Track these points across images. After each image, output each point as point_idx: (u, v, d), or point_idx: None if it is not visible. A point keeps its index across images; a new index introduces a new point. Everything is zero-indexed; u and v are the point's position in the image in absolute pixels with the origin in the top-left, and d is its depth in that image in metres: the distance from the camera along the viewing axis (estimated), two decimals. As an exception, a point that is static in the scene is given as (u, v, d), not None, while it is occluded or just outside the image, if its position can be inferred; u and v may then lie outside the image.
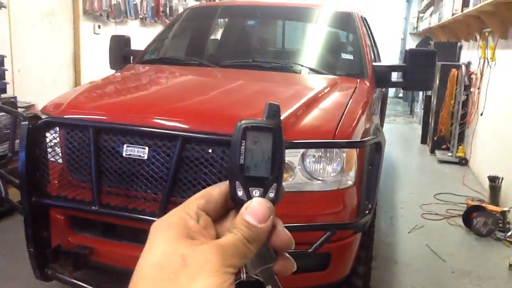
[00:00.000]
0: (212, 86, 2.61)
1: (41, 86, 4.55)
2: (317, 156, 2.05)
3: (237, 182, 0.48)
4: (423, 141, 7.47)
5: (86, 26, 5.38)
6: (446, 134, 6.52)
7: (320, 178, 2.05)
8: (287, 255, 0.50)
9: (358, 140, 2.04)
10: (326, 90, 2.51)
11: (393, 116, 10.17)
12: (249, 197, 0.48)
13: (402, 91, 12.99)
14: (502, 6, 4.13)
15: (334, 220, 2.05)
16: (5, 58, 3.57)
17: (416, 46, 11.20)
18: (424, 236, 3.87)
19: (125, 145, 1.93)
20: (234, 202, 0.49)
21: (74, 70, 5.26)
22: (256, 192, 0.48)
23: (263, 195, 0.48)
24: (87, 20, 5.40)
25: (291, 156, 2.01)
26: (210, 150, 1.84)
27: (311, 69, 3.00)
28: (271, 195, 0.49)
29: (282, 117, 1.77)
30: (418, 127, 8.57)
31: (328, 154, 2.05)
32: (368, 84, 2.89)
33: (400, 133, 8.50)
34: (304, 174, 2.03)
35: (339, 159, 2.05)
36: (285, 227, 1.75)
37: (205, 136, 1.84)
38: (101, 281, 2.21)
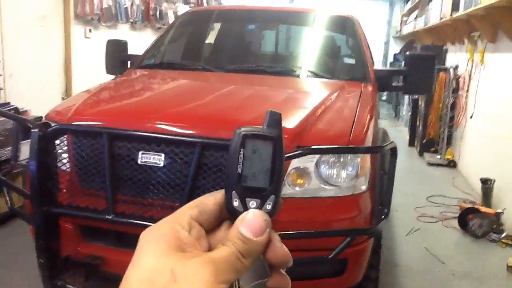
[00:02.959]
0: (222, 91, 2.58)
1: (32, 91, 4.44)
2: (331, 161, 2.05)
3: (233, 192, 0.46)
4: (411, 143, 7.57)
5: (77, 30, 5.28)
6: (435, 137, 6.61)
7: (335, 184, 2.04)
8: (283, 271, 0.47)
9: (377, 145, 2.05)
10: (335, 95, 2.51)
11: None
12: (245, 208, 0.46)
13: (385, 93, 13.14)
14: (494, 11, 4.20)
15: (349, 225, 2.04)
16: (-2, 63, 3.48)
17: (400, 50, 11.35)
18: (422, 239, 3.90)
19: (140, 152, 1.89)
20: (229, 212, 0.47)
21: (65, 75, 5.16)
22: (252, 203, 0.46)
23: (260, 206, 0.46)
24: (78, 24, 5.30)
25: (306, 162, 2.00)
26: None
27: (315, 74, 3.00)
28: (268, 207, 0.46)
29: (297, 123, 1.75)
30: (404, 129, 8.67)
31: (342, 160, 2.05)
32: (371, 89, 2.91)
33: (387, 136, 8.56)
34: (319, 179, 2.02)
35: (353, 165, 2.05)
36: (306, 233, 1.73)
37: (223, 142, 1.82)
38: (111, 291, 2.15)
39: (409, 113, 7.87)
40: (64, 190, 2.05)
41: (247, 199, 0.46)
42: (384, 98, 13.57)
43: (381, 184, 2.15)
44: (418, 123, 7.24)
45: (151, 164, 1.88)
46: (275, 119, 0.48)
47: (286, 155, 1.82)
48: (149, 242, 0.42)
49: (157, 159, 1.87)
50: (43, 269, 1.92)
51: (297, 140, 1.96)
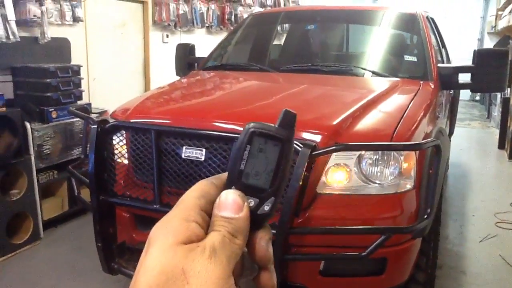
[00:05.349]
0: (270, 91, 2.65)
1: (113, 93, 4.84)
2: (374, 158, 2.02)
3: (233, 187, 0.45)
4: (501, 146, 7.04)
5: (155, 35, 5.65)
6: (525, 138, 6.11)
7: (377, 182, 2.01)
8: (271, 268, 0.46)
9: (415, 142, 1.99)
10: (385, 93, 2.47)
11: (468, 120, 9.68)
12: None
13: (478, 94, 12.32)
14: None
15: (391, 224, 2.00)
16: (81, 68, 3.84)
17: (494, 47, 10.58)
18: (498, 246, 3.65)
19: (184, 147, 2.02)
20: None
21: (144, 77, 5.55)
22: (251, 201, 0.45)
23: (258, 207, 0.45)
24: (156, 30, 5.67)
25: (347, 159, 1.99)
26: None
27: (370, 72, 2.95)
28: (266, 208, 0.45)
29: (337, 121, 1.75)
30: (495, 131, 8.09)
31: (385, 157, 2.02)
32: (432, 86, 2.80)
33: (475, 138, 8.07)
34: (360, 177, 2.01)
35: (396, 163, 2.01)
36: (338, 229, 1.73)
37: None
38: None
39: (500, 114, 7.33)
40: (121, 181, 2.24)
41: (246, 196, 0.45)
42: (477, 98, 12.74)
43: (428, 184, 2.07)
44: (509, 123, 6.72)
45: (193, 158, 2.00)
46: (289, 120, 0.46)
47: (321, 151, 1.84)
48: (158, 240, 0.40)
49: (199, 154, 1.99)
50: (100, 252, 2.12)
51: (336, 137, 1.97)
